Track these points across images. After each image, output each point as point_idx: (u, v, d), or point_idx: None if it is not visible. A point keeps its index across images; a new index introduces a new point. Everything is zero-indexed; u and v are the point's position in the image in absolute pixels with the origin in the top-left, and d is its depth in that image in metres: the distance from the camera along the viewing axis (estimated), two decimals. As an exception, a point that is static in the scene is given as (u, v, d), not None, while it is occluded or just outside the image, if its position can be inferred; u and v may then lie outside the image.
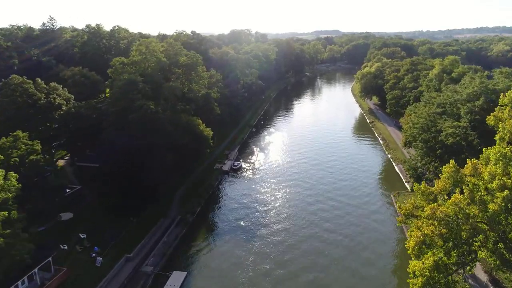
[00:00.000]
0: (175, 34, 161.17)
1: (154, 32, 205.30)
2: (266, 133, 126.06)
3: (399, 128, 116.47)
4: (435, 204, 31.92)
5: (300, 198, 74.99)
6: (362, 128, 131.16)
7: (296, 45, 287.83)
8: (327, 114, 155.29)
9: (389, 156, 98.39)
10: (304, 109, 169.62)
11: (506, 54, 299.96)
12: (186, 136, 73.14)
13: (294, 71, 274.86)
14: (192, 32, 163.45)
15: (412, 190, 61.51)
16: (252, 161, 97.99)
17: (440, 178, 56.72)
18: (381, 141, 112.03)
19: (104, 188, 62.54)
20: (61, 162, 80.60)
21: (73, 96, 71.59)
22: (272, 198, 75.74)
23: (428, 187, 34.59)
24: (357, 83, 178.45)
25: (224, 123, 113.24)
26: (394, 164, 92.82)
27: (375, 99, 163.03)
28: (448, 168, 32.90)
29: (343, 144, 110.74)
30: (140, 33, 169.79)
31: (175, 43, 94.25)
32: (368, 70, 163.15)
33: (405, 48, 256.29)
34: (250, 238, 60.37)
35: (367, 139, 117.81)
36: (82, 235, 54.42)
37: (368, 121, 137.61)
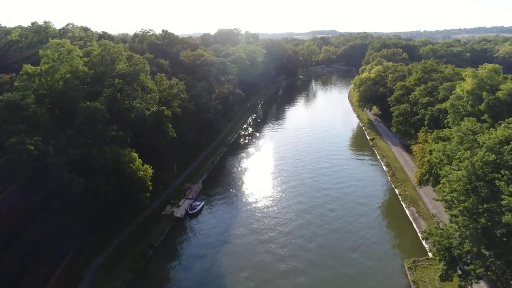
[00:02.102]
0: (140, 34, 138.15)
1: (132, 32, 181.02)
2: (244, 154, 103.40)
3: (406, 147, 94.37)
4: None
5: (277, 261, 52.52)
6: (361, 147, 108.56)
7: (288, 46, 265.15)
8: (321, 128, 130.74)
9: (396, 191, 75.94)
10: (295, 120, 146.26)
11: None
12: (109, 179, 50.74)
13: (286, 74, 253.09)
14: (163, 31, 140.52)
15: (445, 270, 38.30)
16: (218, 198, 75.30)
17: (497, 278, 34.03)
18: (384, 167, 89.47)
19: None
20: None
21: None
22: (237, 260, 53.26)
23: None
24: (354, 90, 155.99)
25: (189, 146, 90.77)
26: (403, 204, 70.46)
27: (375, 109, 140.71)
28: None
29: (339, 172, 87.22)
30: (104, 32, 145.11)
31: (116, 45, 71.31)
32: (367, 75, 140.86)
33: (406, 49, 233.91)
34: None
35: (368, 162, 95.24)
36: None
37: (368, 137, 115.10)
